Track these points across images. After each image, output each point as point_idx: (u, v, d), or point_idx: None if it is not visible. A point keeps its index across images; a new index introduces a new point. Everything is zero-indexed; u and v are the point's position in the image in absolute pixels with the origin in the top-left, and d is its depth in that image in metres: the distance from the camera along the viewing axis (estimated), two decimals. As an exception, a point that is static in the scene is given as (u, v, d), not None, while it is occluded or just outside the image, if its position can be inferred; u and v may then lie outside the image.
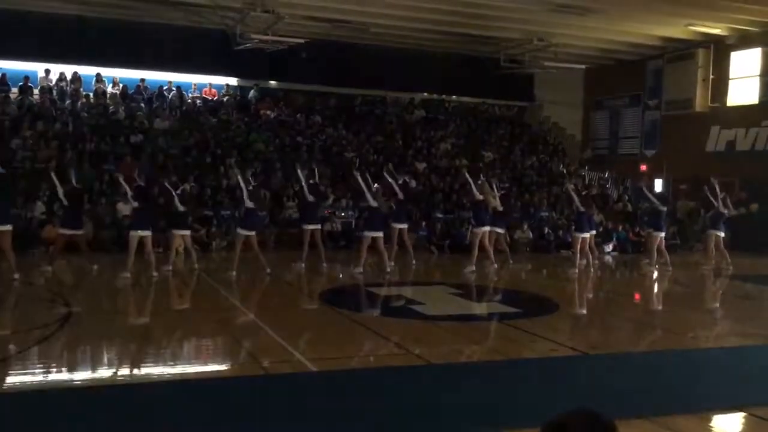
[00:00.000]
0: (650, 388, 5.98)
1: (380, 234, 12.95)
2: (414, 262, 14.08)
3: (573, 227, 14.89)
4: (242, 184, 12.89)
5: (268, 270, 12.43)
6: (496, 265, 13.72)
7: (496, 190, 14.53)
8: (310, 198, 13.65)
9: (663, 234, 14.71)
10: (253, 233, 12.54)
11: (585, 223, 13.96)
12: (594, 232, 14.67)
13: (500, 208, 14.02)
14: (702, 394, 5.96)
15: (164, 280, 11.90)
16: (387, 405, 5.39)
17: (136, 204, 11.86)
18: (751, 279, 14.01)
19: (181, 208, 12.51)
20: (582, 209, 13.90)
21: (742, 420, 5.54)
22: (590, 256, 14.39)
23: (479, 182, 14.18)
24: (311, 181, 14.10)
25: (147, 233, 11.68)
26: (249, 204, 12.61)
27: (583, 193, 16.11)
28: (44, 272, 11.81)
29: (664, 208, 14.92)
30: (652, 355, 7.43)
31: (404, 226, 13.87)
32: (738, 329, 9.33)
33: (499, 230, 14.25)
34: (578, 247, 13.86)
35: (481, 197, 13.64)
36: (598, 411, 1.85)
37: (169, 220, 13.27)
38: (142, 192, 12.20)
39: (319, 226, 13.91)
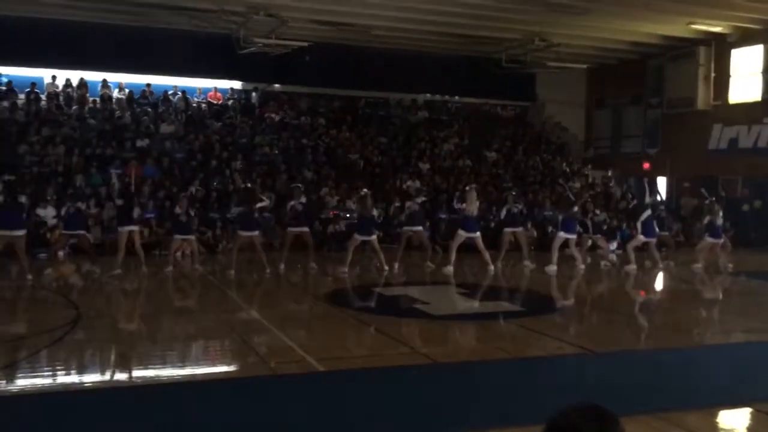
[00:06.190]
0: (657, 384, 6.04)
1: (372, 237, 13.21)
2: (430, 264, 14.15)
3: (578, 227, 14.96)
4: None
5: (268, 270, 12.63)
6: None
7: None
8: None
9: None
10: (252, 233, 12.81)
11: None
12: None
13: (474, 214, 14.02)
14: (708, 390, 6.00)
15: (170, 282, 11.99)
16: (394, 404, 5.46)
17: (120, 201, 12.21)
18: (757, 275, 14.03)
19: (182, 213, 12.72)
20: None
21: (748, 415, 5.59)
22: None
23: (467, 188, 14.30)
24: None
25: (134, 228, 12.16)
26: (238, 208, 12.85)
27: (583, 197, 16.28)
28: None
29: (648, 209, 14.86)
30: (658, 352, 7.47)
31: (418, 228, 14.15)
32: (743, 325, 9.37)
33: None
34: (585, 245, 14.31)
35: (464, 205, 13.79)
36: (600, 404, 1.90)
37: (173, 224, 13.38)
38: (128, 189, 12.57)
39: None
